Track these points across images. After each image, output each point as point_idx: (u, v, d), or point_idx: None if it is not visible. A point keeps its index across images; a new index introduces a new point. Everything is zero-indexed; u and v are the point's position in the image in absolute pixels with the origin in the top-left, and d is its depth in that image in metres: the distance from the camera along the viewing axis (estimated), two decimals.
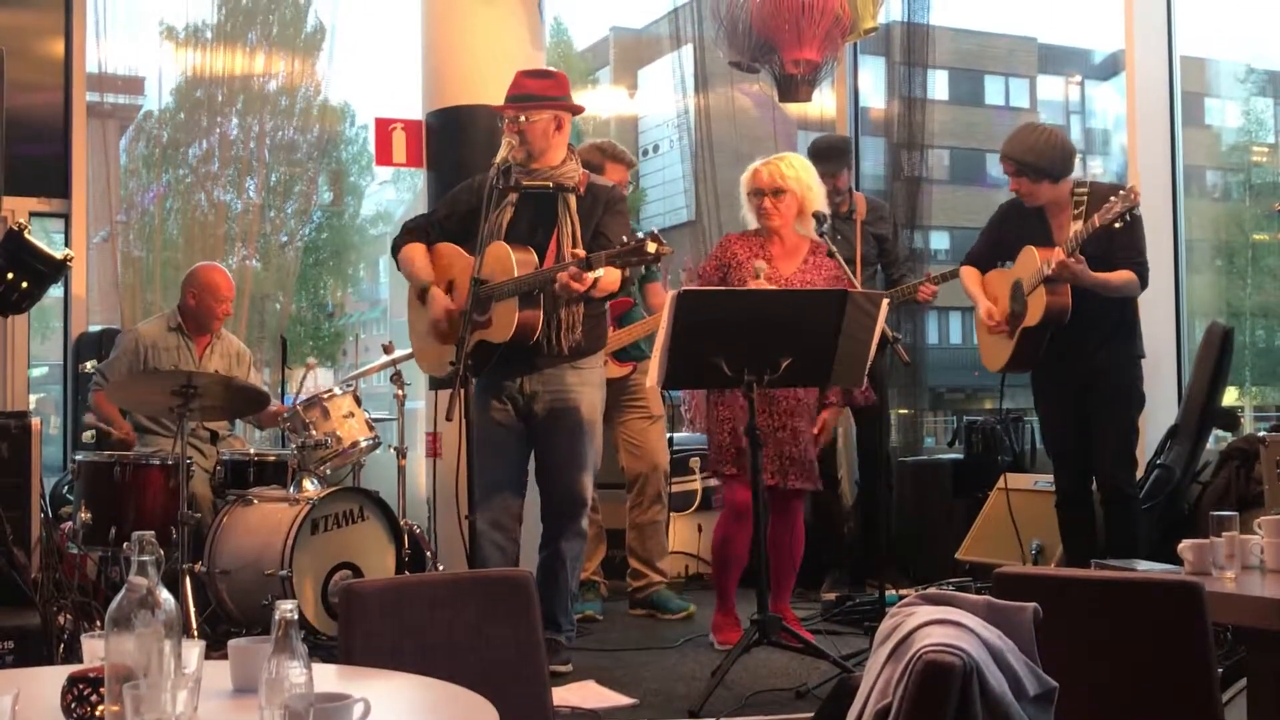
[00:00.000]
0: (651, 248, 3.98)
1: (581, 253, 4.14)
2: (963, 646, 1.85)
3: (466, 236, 4.51)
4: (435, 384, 6.20)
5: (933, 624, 1.95)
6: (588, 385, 4.50)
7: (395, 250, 4.72)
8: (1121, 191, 4.45)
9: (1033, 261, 4.69)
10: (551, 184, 4.43)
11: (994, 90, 24.16)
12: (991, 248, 5.05)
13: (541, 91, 4.47)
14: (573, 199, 4.42)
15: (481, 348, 4.36)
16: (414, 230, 4.68)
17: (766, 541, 4.35)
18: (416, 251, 4.63)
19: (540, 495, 4.59)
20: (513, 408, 4.46)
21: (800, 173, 4.75)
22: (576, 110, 4.62)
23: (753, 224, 4.83)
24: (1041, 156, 4.69)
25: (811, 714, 3.68)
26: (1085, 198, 4.66)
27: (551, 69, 4.88)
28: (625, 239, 4.07)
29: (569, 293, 4.17)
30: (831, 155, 5.89)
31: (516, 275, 4.24)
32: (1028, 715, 1.92)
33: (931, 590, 2.19)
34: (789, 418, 4.68)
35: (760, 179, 4.74)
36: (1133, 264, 4.67)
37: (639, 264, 4.19)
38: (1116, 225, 4.43)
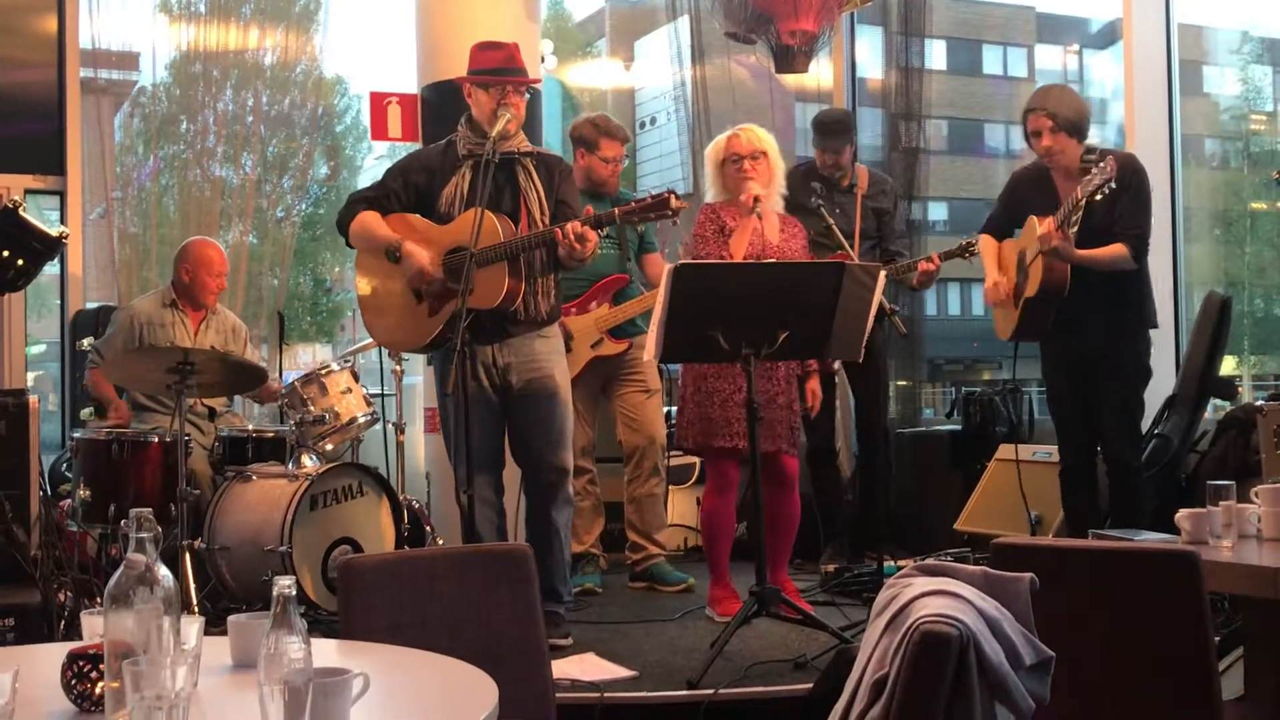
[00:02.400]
0: (674, 202, 4.03)
1: (589, 209, 4.17)
2: (959, 617, 1.86)
3: (419, 211, 4.49)
4: (433, 359, 6.20)
5: (929, 595, 1.95)
6: (555, 353, 4.51)
7: (343, 224, 4.54)
8: (1099, 165, 4.43)
9: (1034, 231, 4.69)
10: (516, 150, 4.44)
11: (992, 60, 24.08)
12: (1005, 215, 5.07)
13: (523, 65, 4.50)
14: (530, 165, 4.45)
15: (458, 317, 4.22)
16: (368, 200, 4.53)
17: (764, 513, 4.36)
18: (374, 217, 4.49)
19: (523, 469, 4.56)
20: (487, 380, 4.43)
21: (772, 139, 4.78)
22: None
23: (713, 197, 4.80)
24: (1079, 114, 4.72)
25: (810, 685, 3.70)
26: (1093, 162, 4.63)
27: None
28: (647, 194, 4.15)
29: (574, 252, 4.16)
30: (837, 130, 5.88)
31: (503, 240, 4.24)
32: (1024, 684, 1.93)
33: (929, 561, 2.20)
34: (786, 385, 4.71)
35: (739, 144, 4.72)
36: (1128, 236, 4.65)
37: (657, 219, 4.22)
38: (1097, 197, 4.42)
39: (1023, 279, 4.79)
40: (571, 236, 4.12)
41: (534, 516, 4.52)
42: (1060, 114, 4.70)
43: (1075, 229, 4.60)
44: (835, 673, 3.48)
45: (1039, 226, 4.65)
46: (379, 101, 6.71)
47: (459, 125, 4.53)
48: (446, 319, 4.37)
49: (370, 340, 6.07)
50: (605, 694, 3.71)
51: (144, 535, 1.91)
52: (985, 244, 5.09)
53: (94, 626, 2.08)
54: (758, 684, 3.81)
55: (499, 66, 4.44)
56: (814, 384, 4.94)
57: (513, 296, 4.30)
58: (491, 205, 4.32)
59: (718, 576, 4.81)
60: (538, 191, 4.41)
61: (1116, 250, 4.63)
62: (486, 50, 4.49)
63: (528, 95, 4.53)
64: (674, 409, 6.12)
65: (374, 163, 15.23)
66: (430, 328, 4.44)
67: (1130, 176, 4.62)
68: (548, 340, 4.50)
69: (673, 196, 4.06)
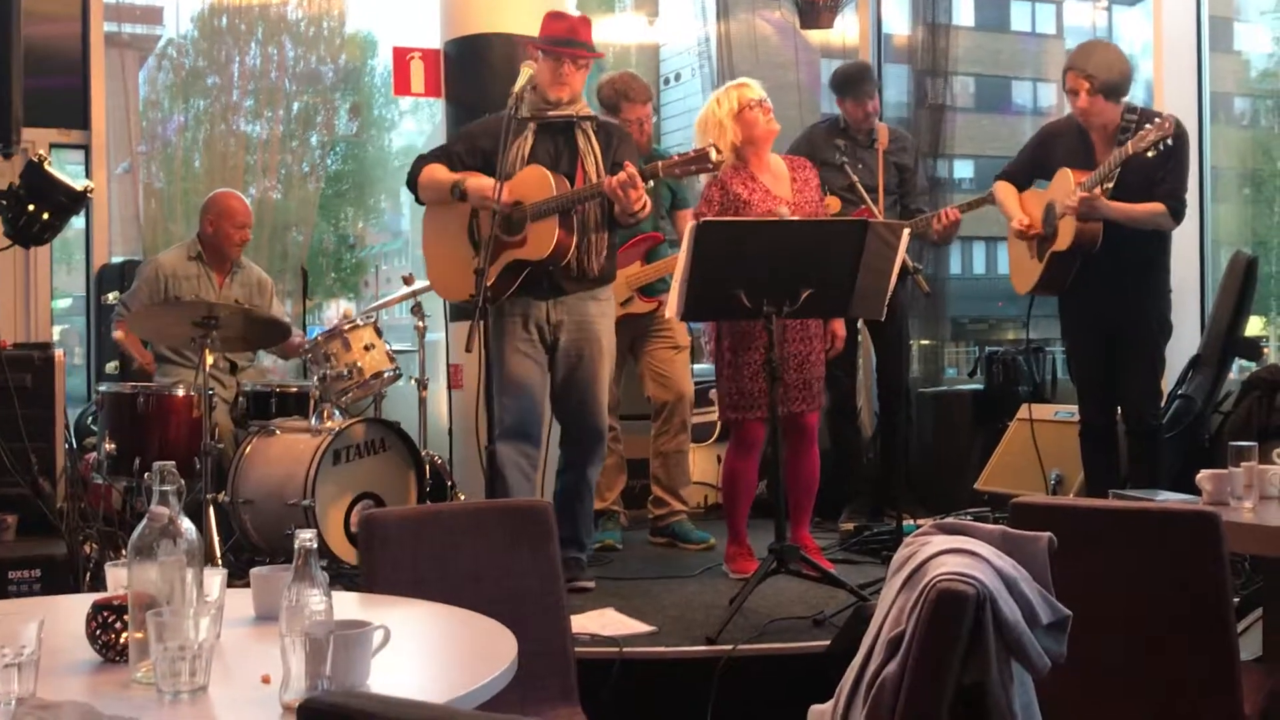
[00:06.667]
0: (714, 156, 4.20)
1: (631, 169, 4.23)
2: (976, 575, 1.87)
3: (485, 174, 4.56)
4: (456, 315, 6.20)
5: (947, 553, 1.96)
6: (606, 316, 4.65)
7: (412, 179, 4.71)
8: (1157, 120, 4.39)
9: (1067, 184, 4.64)
10: (575, 115, 4.56)
11: (1020, 15, 23.77)
12: (1029, 167, 5.00)
13: (585, 39, 4.59)
14: (590, 129, 4.57)
15: (509, 269, 4.45)
16: (434, 157, 4.70)
17: (786, 471, 4.37)
18: (440, 167, 4.65)
19: (563, 426, 4.70)
20: (538, 337, 4.56)
21: None
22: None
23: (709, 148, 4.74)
24: (1121, 75, 4.65)
25: (828, 642, 3.72)
26: (1134, 123, 4.59)
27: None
28: (690, 149, 4.29)
29: (626, 201, 4.23)
30: (856, 81, 5.82)
31: (555, 194, 4.36)
32: (1041, 642, 1.94)
33: (947, 520, 2.20)
34: (815, 341, 4.72)
35: (754, 90, 4.68)
36: (1171, 199, 4.60)
37: (698, 173, 4.37)
38: (1149, 154, 4.37)
39: (1050, 232, 4.75)
40: (615, 184, 4.21)
41: (568, 471, 4.65)
42: (1099, 76, 4.61)
43: (1111, 184, 4.55)
44: (853, 630, 3.49)
45: (1074, 179, 4.61)
46: (402, 56, 6.68)
47: (526, 90, 4.56)
48: (497, 272, 4.45)
49: (394, 296, 6.09)
50: (624, 649, 3.73)
51: (167, 488, 1.93)
52: (1005, 190, 5.02)
53: (118, 578, 2.11)
54: (776, 640, 3.83)
55: (562, 38, 4.54)
56: (838, 325, 4.88)
57: (563, 250, 4.41)
58: (550, 167, 4.50)
59: (735, 535, 4.83)
60: (595, 154, 4.53)
61: (1155, 208, 4.58)
62: (554, 20, 4.63)
63: (585, 68, 4.62)
64: (696, 366, 6.15)
65: (400, 119, 15.17)
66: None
67: (1176, 139, 4.57)
68: (600, 303, 4.62)
69: (713, 150, 4.20)
